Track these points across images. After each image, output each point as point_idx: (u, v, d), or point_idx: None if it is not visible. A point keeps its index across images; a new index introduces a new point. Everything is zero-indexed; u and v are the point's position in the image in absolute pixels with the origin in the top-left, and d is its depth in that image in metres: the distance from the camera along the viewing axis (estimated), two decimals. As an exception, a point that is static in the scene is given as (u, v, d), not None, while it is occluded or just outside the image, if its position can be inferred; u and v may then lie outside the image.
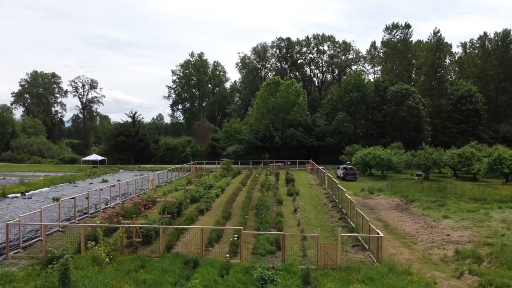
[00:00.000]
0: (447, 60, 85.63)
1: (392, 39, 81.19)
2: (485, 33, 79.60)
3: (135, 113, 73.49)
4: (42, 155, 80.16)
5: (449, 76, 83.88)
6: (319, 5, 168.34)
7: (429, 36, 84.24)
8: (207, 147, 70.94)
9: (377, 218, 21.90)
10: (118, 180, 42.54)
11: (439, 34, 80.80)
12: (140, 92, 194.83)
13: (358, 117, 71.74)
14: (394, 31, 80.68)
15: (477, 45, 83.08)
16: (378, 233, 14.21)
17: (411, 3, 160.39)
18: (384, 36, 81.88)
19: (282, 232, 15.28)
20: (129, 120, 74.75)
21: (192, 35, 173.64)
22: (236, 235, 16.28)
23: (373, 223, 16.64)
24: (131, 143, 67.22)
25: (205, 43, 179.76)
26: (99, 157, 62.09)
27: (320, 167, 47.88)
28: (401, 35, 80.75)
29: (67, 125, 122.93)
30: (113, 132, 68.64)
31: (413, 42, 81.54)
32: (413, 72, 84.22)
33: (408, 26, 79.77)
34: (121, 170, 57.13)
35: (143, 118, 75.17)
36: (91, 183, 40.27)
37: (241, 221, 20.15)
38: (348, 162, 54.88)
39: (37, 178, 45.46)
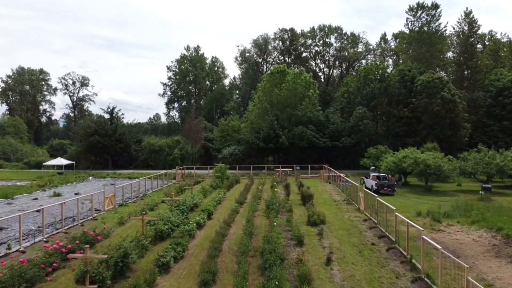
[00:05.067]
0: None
1: (417, 22, 71.62)
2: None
3: (113, 108, 64.01)
4: (7, 158, 70.91)
5: (483, 65, 74.04)
6: (317, 5, 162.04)
7: (458, 19, 75.07)
8: (199, 149, 61.41)
9: (479, 279, 12.39)
10: (76, 194, 33.50)
11: (471, 16, 71.38)
12: (140, 93, 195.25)
13: (379, 113, 62.27)
14: (419, 12, 71.11)
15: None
16: None
17: (410, 2, 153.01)
18: (408, 18, 72.33)
19: None
20: (109, 117, 65.29)
21: (192, 34, 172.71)
22: None
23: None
24: (107, 144, 57.68)
25: (206, 42, 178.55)
26: (64, 161, 52.46)
27: (340, 174, 38.58)
28: (427, 17, 71.22)
29: (62, 124, 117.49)
30: (86, 130, 59.09)
31: (442, 25, 71.83)
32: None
33: (435, 6, 70.08)
34: (90, 178, 47.67)
35: (123, 114, 65.77)
36: (36, 199, 30.87)
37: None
38: (373, 167, 45.74)
39: (-26, 189, 36.05)
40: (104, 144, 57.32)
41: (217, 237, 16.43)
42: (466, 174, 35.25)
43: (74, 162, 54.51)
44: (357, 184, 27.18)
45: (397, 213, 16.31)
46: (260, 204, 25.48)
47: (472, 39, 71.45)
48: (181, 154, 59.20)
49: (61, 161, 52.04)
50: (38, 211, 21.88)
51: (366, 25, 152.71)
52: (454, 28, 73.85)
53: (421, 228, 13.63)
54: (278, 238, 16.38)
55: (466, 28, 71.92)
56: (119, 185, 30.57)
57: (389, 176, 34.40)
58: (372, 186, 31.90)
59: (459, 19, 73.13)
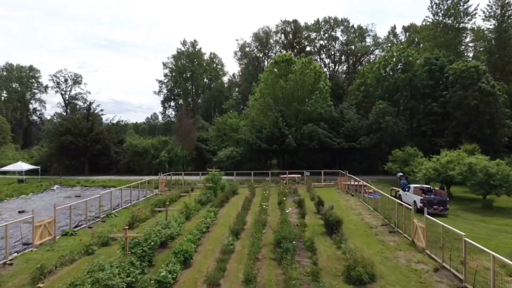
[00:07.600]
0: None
1: (442, 5, 64.09)
2: None
3: (91, 103, 56.31)
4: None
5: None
6: (317, 5, 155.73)
7: (489, 1, 67.35)
8: (191, 151, 53.74)
9: None
10: (21, 212, 26.29)
11: (504, -2, 63.63)
12: (140, 93, 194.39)
13: (402, 108, 54.63)
14: (445, -7, 63.57)
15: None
16: None
17: (411, 2, 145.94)
18: (432, 1, 64.75)
19: None
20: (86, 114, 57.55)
21: (191, 32, 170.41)
22: None
23: None
24: (82, 145, 50.01)
25: (204, 38, 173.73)
26: (25, 166, 44.88)
27: (366, 183, 31.19)
28: (454, -1, 63.70)
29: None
30: (57, 129, 51.44)
31: (471, 7, 64.20)
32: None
33: (464, -14, 62.64)
34: (55, 187, 40.03)
35: (102, 110, 58.11)
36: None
37: None
38: (400, 173, 38.43)
39: None
40: (77, 145, 49.66)
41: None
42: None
43: (39, 167, 46.83)
44: (421, 205, 19.45)
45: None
46: (266, 235, 17.87)
47: (506, 24, 63.74)
48: (169, 157, 51.53)
49: (21, 166, 44.38)
50: None
51: (366, 24, 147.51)
52: (484, 12, 66.19)
53: None
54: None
55: (498, 12, 64.31)
56: (63, 205, 23.02)
57: (436, 189, 26.68)
58: (416, 203, 24.17)
59: (490, 1, 65.49)
